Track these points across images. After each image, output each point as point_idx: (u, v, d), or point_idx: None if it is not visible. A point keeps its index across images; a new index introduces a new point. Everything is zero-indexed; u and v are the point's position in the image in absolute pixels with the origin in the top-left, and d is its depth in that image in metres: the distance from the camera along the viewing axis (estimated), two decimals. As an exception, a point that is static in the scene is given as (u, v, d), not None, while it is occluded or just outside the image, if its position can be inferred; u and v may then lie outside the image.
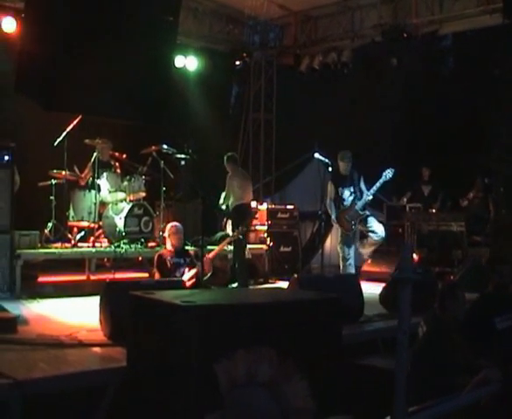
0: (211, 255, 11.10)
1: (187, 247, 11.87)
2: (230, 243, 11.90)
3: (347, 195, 12.03)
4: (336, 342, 5.80)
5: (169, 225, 10.30)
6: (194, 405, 4.84)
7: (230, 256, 12.74)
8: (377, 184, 11.96)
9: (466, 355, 6.16)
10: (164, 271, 9.66)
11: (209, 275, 10.53)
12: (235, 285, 11.91)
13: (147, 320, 5.62)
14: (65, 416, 5.76)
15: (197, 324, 5.01)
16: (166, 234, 10.25)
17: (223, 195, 12.54)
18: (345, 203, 12.02)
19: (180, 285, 8.24)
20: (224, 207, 12.63)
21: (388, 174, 11.82)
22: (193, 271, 9.67)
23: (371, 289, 11.33)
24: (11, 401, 5.35)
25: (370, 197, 12.06)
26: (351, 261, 12.23)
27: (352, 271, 12.17)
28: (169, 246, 10.03)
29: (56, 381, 5.81)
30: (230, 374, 2.42)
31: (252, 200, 12.97)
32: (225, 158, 12.53)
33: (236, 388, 2.38)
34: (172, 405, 5.12)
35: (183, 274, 9.60)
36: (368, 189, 12.04)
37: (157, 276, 9.74)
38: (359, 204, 11.99)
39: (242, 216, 12.24)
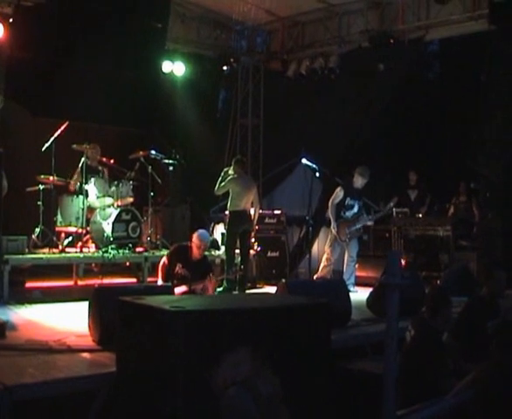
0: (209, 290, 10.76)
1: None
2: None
3: (355, 208, 12.39)
4: (326, 347, 5.82)
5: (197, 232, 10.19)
6: (183, 409, 4.87)
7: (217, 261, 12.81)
8: (381, 213, 13.09)
9: (454, 359, 6.21)
10: (170, 268, 9.69)
11: None
12: (220, 289, 11.93)
13: (136, 325, 5.62)
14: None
15: (186, 329, 5.03)
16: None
17: (219, 183, 12.32)
18: (347, 214, 12.36)
19: (168, 290, 8.25)
20: (217, 193, 12.50)
21: (392, 205, 12.81)
22: (183, 289, 9.64)
23: (358, 293, 11.40)
24: (1, 406, 5.35)
25: (371, 223, 13.15)
26: (333, 264, 12.67)
27: (330, 273, 12.59)
28: (193, 248, 9.99)
29: (45, 387, 5.80)
30: (219, 379, 2.55)
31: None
32: (233, 161, 12.41)
33: (226, 388, 2.52)
34: (161, 410, 5.13)
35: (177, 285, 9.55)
36: (368, 213, 12.86)
37: (165, 263, 9.76)
38: (360, 224, 12.58)
39: (236, 222, 12.20)
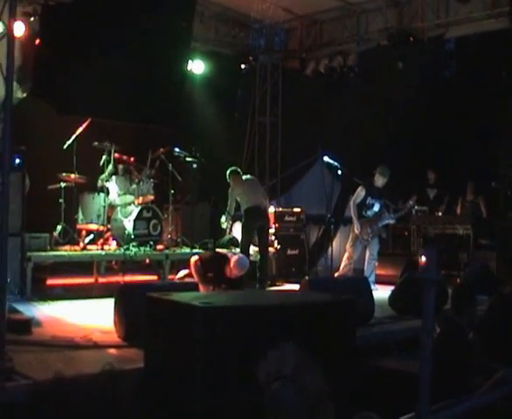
0: None
1: (196, 250, 11.95)
2: None
3: (376, 207, 12.43)
4: (351, 344, 5.85)
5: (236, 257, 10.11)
6: (212, 405, 4.90)
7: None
8: (403, 211, 13.09)
9: (480, 356, 6.21)
10: (202, 271, 9.63)
11: None
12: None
13: (163, 321, 5.66)
14: (82, 417, 5.80)
15: (216, 325, 5.06)
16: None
17: (225, 215, 12.43)
18: (368, 213, 12.42)
19: (194, 287, 8.29)
20: (226, 223, 12.55)
21: (412, 203, 12.88)
22: (185, 272, 9.67)
23: (378, 291, 11.43)
24: (30, 400, 5.42)
25: (393, 221, 13.07)
26: (355, 263, 12.71)
27: (351, 271, 12.69)
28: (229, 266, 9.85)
29: (73, 382, 5.85)
30: (265, 372, 2.57)
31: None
32: (227, 174, 12.34)
33: (270, 383, 2.54)
34: (190, 405, 5.16)
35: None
36: (391, 213, 12.89)
37: (198, 261, 9.67)
38: (383, 222, 12.63)
39: (251, 217, 12.18)
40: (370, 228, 12.47)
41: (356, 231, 12.47)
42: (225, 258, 9.74)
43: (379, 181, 12.58)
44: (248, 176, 12.73)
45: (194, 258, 9.83)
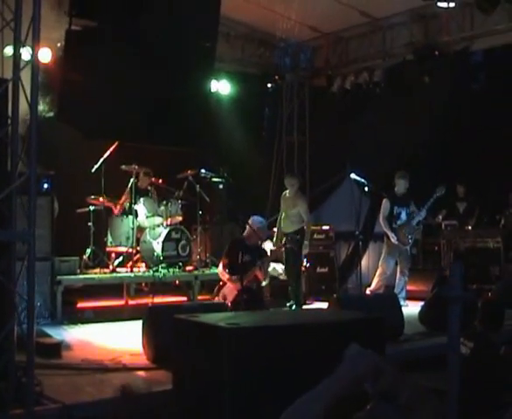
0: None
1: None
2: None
3: (403, 215, 12.35)
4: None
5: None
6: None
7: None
8: (431, 201, 12.54)
9: (512, 372, 6.13)
10: (233, 262, 9.80)
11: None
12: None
13: (191, 343, 5.66)
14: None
15: (243, 345, 5.05)
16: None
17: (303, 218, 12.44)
18: (398, 223, 12.37)
19: (223, 307, 8.30)
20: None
21: (441, 190, 12.40)
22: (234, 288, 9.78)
23: (408, 307, 11.34)
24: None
25: (425, 214, 12.73)
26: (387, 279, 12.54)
27: (383, 288, 12.62)
28: (247, 233, 10.24)
29: (103, 405, 5.85)
30: (377, 376, 2.39)
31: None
32: (294, 180, 12.79)
33: (380, 397, 2.37)
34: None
35: (247, 274, 9.82)
36: (420, 208, 12.58)
37: (224, 262, 9.86)
38: (415, 220, 12.56)
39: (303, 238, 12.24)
40: (406, 230, 12.40)
41: (393, 240, 12.35)
42: (241, 237, 10.42)
43: (401, 187, 12.54)
44: None
45: (220, 267, 10.04)
